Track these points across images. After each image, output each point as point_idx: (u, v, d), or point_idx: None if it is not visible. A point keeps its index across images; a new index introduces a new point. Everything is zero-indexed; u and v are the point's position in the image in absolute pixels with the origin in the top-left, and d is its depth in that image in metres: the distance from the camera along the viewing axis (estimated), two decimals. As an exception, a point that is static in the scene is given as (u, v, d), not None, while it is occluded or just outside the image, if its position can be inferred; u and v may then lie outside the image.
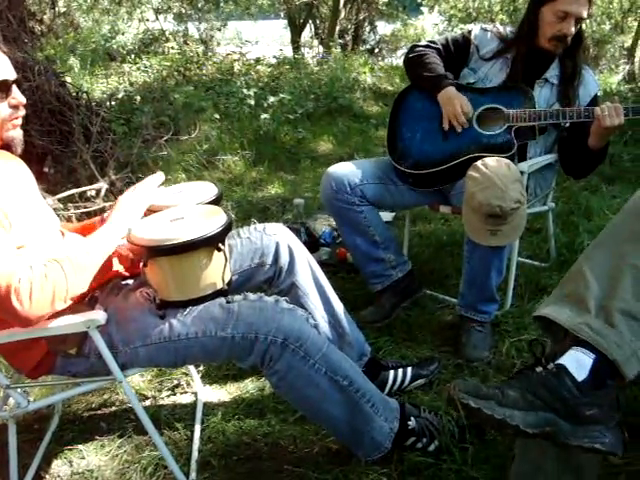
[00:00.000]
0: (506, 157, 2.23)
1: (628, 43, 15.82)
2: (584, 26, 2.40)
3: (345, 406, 1.67)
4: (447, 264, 3.08)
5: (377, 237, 2.45)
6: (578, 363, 1.34)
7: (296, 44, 12.17)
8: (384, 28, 15.02)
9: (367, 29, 14.00)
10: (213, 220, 1.58)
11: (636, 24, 15.70)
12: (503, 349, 2.36)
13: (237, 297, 1.64)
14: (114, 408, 2.20)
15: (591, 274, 1.44)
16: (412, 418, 1.81)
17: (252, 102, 6.04)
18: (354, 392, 1.67)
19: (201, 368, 2.32)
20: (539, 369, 1.38)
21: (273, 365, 1.59)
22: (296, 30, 13.41)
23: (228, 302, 1.61)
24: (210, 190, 1.85)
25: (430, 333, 2.49)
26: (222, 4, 14.26)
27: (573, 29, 2.32)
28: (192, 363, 2.11)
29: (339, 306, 2.04)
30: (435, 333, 2.50)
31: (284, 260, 1.94)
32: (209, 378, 2.30)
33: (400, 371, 2.13)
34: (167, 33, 11.05)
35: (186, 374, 2.30)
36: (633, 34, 15.68)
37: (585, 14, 2.32)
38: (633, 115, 2.24)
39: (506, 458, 1.73)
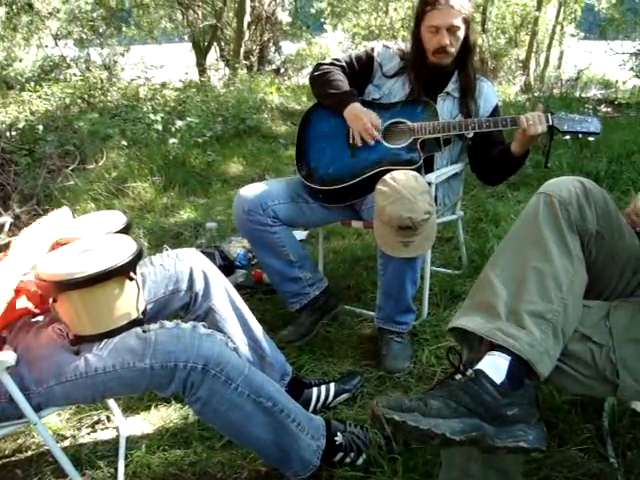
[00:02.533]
0: (413, 169, 2.30)
1: (522, 56, 16.57)
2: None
3: (271, 427, 1.66)
4: (363, 278, 3.13)
5: (292, 256, 2.46)
6: (495, 367, 1.39)
7: (202, 67, 12.13)
8: (289, 48, 15.16)
9: (272, 49, 14.10)
10: (123, 249, 1.55)
11: (528, 38, 16.48)
12: (423, 358, 2.41)
13: (153, 326, 1.60)
14: (30, 452, 2.09)
15: (498, 281, 1.50)
16: (338, 434, 1.82)
17: (159, 127, 5.96)
18: (279, 413, 1.67)
19: (122, 401, 2.26)
20: (459, 377, 1.42)
21: (195, 392, 1.57)
22: (201, 53, 13.36)
23: (144, 332, 1.58)
24: (119, 219, 1.81)
25: (351, 347, 2.52)
26: (124, 29, 14.07)
27: (447, 40, 2.41)
28: (112, 397, 2.05)
29: (258, 328, 2.03)
30: (355, 347, 2.52)
31: (199, 285, 1.92)
32: (131, 411, 2.24)
33: (323, 388, 2.14)
34: (68, 59, 10.79)
35: (106, 409, 2.22)
36: (526, 47, 16.44)
37: (456, 22, 2.39)
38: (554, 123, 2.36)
39: (434, 465, 1.76)
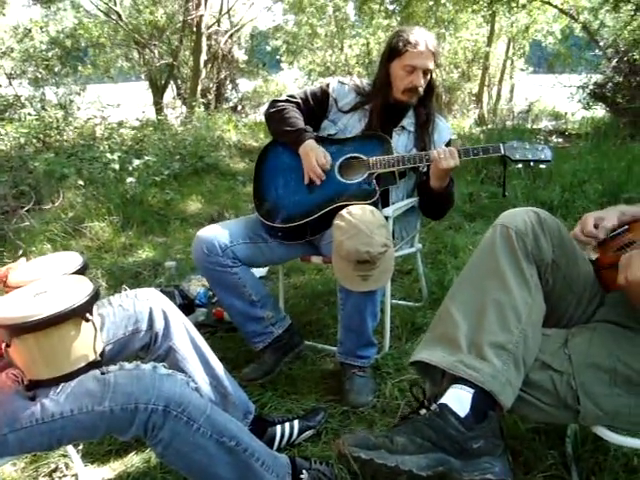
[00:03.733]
0: (370, 203, 2.32)
1: (475, 89, 16.99)
2: (434, 75, 2.57)
3: (235, 467, 1.63)
4: (324, 313, 3.13)
5: (253, 296, 2.44)
6: (459, 400, 1.40)
7: (159, 105, 12.16)
8: (246, 85, 15.32)
9: (229, 87, 14.22)
10: (78, 290, 1.52)
11: (480, 72, 16.92)
12: (386, 391, 2.40)
13: (112, 367, 1.57)
14: (-15, 504, 2.02)
15: (458, 313, 1.51)
16: (304, 471, 1.79)
17: (117, 166, 5.92)
18: (242, 452, 1.64)
19: (81, 447, 2.19)
20: (423, 411, 1.42)
21: (157, 434, 1.53)
22: (158, 91, 13.41)
23: (103, 374, 1.54)
24: (74, 260, 1.79)
25: (313, 383, 2.50)
26: (80, 68, 14.04)
27: (422, 80, 2.49)
28: (70, 443, 1.99)
29: (219, 367, 2.01)
30: (318, 383, 2.50)
31: (159, 325, 1.89)
32: (90, 456, 2.17)
33: (287, 425, 2.12)
34: (23, 99, 10.66)
35: (64, 455, 2.15)
36: (479, 81, 16.87)
37: (431, 66, 2.49)
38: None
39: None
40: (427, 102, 2.62)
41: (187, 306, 3.00)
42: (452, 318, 1.51)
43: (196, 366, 1.94)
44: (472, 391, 1.40)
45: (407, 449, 1.32)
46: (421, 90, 2.53)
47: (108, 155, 6.16)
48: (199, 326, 2.29)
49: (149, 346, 1.91)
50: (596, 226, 1.68)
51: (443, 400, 1.40)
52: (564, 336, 1.58)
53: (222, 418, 1.65)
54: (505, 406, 1.42)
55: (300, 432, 2.13)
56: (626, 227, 1.72)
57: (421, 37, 2.47)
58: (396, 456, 1.30)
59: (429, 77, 2.55)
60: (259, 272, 3.42)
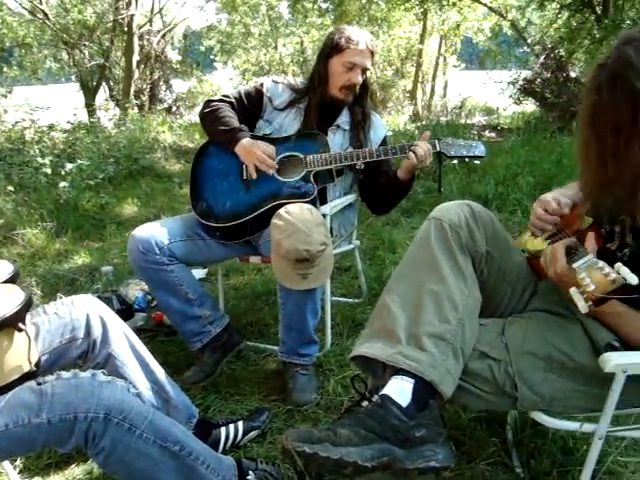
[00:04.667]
0: (307, 202, 2.33)
1: (409, 86, 17.21)
2: (369, 74, 2.60)
3: (180, 472, 1.61)
4: (264, 313, 3.12)
5: (191, 295, 2.41)
6: (400, 390, 1.41)
7: (91, 107, 11.87)
8: (180, 86, 15.14)
9: (163, 88, 14.02)
10: (9, 299, 1.48)
11: (414, 69, 17.17)
12: (330, 388, 2.41)
13: (49, 377, 1.53)
14: None
15: (395, 306, 1.53)
16: (250, 472, 1.79)
17: (48, 171, 5.75)
18: (187, 456, 1.62)
19: (18, 462, 2.11)
20: (365, 403, 1.43)
21: (98, 443, 1.50)
22: (89, 93, 13.12)
23: (39, 384, 1.50)
24: (4, 268, 1.73)
25: (257, 384, 2.48)
26: (5, 69, 13.61)
27: (360, 78, 2.52)
28: (6, 459, 1.92)
29: (160, 371, 1.98)
30: (262, 383, 2.50)
31: (97, 332, 1.85)
32: (29, 472, 2.08)
33: (232, 427, 2.10)
34: (-55, 102, 10.30)
35: (0, 472, 2.09)
36: (412, 78, 17.11)
37: (369, 65, 2.53)
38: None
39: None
40: (362, 101, 2.65)
41: (126, 311, 2.94)
42: (390, 311, 1.53)
43: (136, 372, 1.91)
44: (413, 381, 1.42)
45: (351, 441, 1.32)
46: (357, 88, 2.56)
47: (39, 159, 5.99)
48: (138, 331, 2.26)
49: (87, 354, 1.87)
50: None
51: (384, 391, 1.42)
52: (501, 325, 1.61)
53: (165, 423, 1.63)
54: (445, 395, 1.44)
55: (245, 433, 2.12)
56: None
57: (362, 36, 2.51)
58: (340, 448, 1.30)
59: (365, 76, 2.58)
60: (198, 274, 3.39)
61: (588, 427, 1.50)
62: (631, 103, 1.27)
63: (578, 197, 1.78)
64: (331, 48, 2.53)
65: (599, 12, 10.17)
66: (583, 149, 1.48)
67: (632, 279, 1.22)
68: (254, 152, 2.43)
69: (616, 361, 1.36)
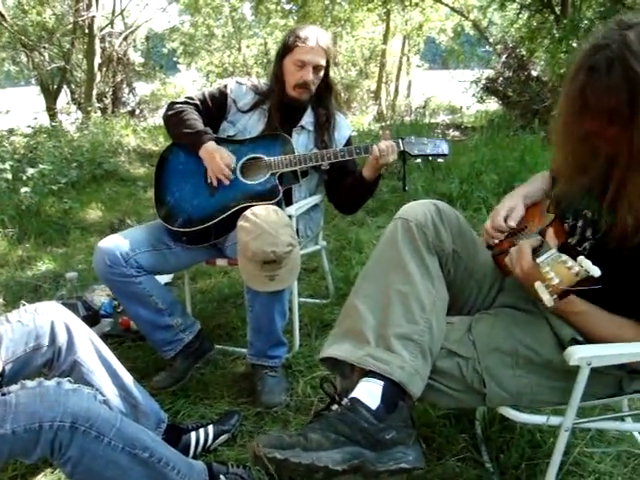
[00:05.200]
0: (273, 203, 2.33)
1: (373, 87, 17.31)
2: (333, 73, 2.60)
3: (151, 479, 1.60)
4: (232, 316, 3.11)
5: (160, 304, 2.38)
6: (369, 393, 1.41)
7: (52, 111, 11.69)
8: (143, 88, 15.00)
9: (126, 91, 13.86)
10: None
11: (378, 70, 17.26)
12: (299, 389, 2.41)
13: (13, 387, 1.50)
14: None
15: (363, 307, 1.53)
16: (221, 476, 1.78)
17: (9, 176, 5.63)
18: (157, 462, 1.60)
19: (-18, 474, 2.09)
20: (335, 407, 1.43)
21: (65, 452, 1.47)
22: (50, 96, 12.90)
23: (3, 394, 1.48)
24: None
25: (226, 387, 2.47)
26: (-39, 72, 13.33)
27: (311, 76, 2.50)
28: (-30, 472, 1.90)
29: (128, 377, 1.96)
30: (231, 386, 2.48)
31: (62, 339, 1.82)
32: (-7, 484, 2.07)
33: (202, 431, 2.09)
34: None
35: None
36: (376, 78, 17.21)
37: (322, 62, 2.52)
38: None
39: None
40: (325, 101, 2.65)
41: (91, 317, 2.90)
42: (358, 312, 1.53)
43: (103, 378, 1.88)
44: (382, 383, 1.42)
45: (322, 445, 1.32)
46: (312, 87, 2.55)
47: (-1, 164, 5.88)
48: (105, 337, 2.23)
49: (52, 362, 1.84)
50: (506, 218, 1.74)
51: (354, 394, 1.42)
52: (468, 323, 1.63)
53: (133, 429, 1.61)
54: (415, 395, 1.45)
55: (215, 437, 2.11)
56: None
57: (312, 33, 2.50)
58: (311, 453, 1.30)
59: (322, 74, 2.57)
60: (164, 279, 3.36)
61: (554, 420, 1.52)
62: (629, 87, 1.27)
63: (539, 194, 1.81)
64: (284, 48, 2.54)
65: (558, 12, 10.34)
66: (562, 129, 1.48)
67: (595, 271, 1.24)
68: (214, 160, 2.41)
69: (580, 354, 1.39)
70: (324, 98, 2.64)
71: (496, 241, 1.76)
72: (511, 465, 1.89)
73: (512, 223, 1.71)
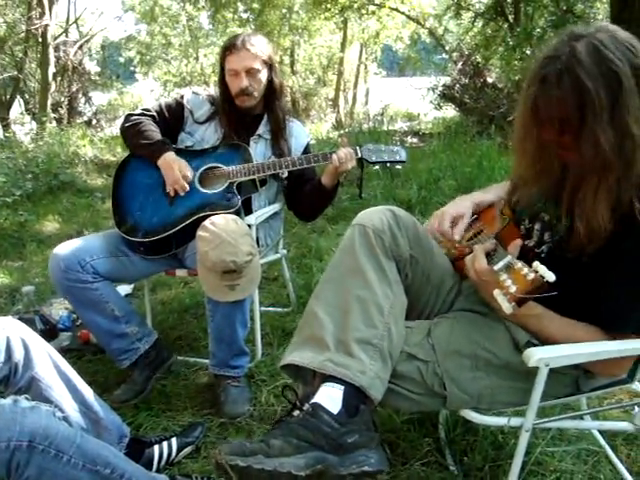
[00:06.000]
0: (232, 213, 2.33)
1: (331, 94, 17.39)
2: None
3: (113, 496, 1.58)
4: (193, 326, 3.09)
5: (117, 312, 2.35)
6: (330, 398, 1.41)
7: (5, 122, 11.46)
8: (100, 98, 14.81)
9: (82, 100, 13.64)
10: None
11: (336, 78, 17.35)
12: (262, 399, 2.40)
13: (-32, 406, 1.48)
14: None
15: (323, 313, 1.54)
16: (185, 489, 1.77)
17: (-40, 189, 5.55)
18: (119, 479, 1.58)
19: None
20: (297, 413, 1.43)
21: (22, 472, 1.43)
22: (3, 107, 12.64)
23: (-43, 414, 1.45)
24: None
25: (189, 399, 2.45)
26: None
27: (246, 82, 2.49)
28: None
29: (88, 392, 1.92)
30: (194, 398, 2.46)
31: (18, 355, 1.79)
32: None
33: (165, 444, 2.07)
34: None
35: None
36: (334, 86, 17.29)
37: (255, 65, 2.49)
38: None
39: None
40: (273, 105, 2.64)
41: (49, 331, 2.86)
42: (318, 318, 1.54)
43: (62, 394, 1.85)
44: (343, 388, 1.42)
45: (284, 451, 1.31)
46: (253, 93, 2.54)
47: (-50, 177, 5.75)
48: (64, 351, 2.19)
49: (9, 378, 1.80)
50: (454, 223, 1.76)
51: (315, 399, 1.42)
52: (427, 327, 1.64)
53: (94, 446, 1.59)
54: (375, 399, 1.45)
55: (179, 450, 2.09)
56: (475, 217, 1.82)
57: (240, 40, 2.50)
58: (273, 459, 1.29)
59: (261, 77, 2.54)
60: (124, 290, 3.32)
61: (515, 421, 1.54)
62: (578, 99, 1.30)
63: (494, 201, 1.85)
64: (220, 60, 2.57)
65: (511, 21, 10.57)
66: (521, 138, 1.53)
67: (549, 276, 1.26)
68: (172, 171, 2.41)
69: (539, 355, 1.41)
70: (271, 102, 2.63)
71: (441, 239, 1.79)
72: (475, 467, 1.92)
73: (456, 237, 1.73)
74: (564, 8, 9.60)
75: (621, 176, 1.37)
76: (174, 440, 2.09)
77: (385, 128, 9.96)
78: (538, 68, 1.38)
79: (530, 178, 1.57)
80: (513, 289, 1.30)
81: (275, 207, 2.72)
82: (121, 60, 19.02)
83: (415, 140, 9.41)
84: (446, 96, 11.05)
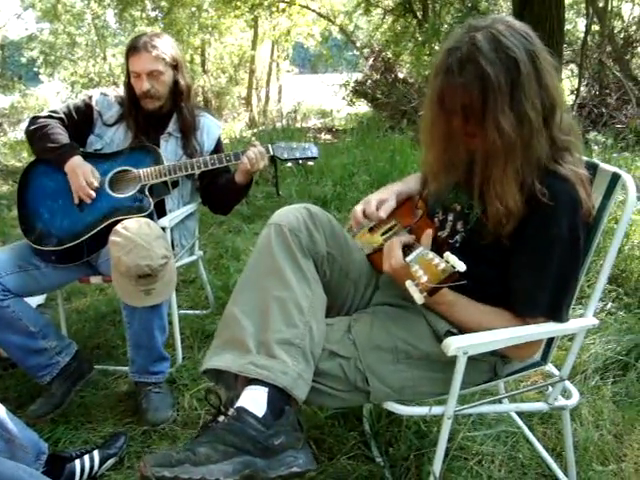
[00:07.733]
0: (145, 216, 2.29)
1: (244, 93, 17.29)
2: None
3: (32, 518, 1.52)
4: (111, 334, 3.01)
5: (32, 328, 2.25)
6: (254, 400, 1.41)
7: None
8: (1, 101, 14.22)
9: (-19, 103, 13.08)
10: None
11: (247, 76, 17.26)
12: (185, 404, 2.37)
13: None
14: None
15: (242, 315, 1.53)
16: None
17: None
18: (37, 499, 1.53)
19: None
20: (221, 418, 1.41)
21: None
22: None
23: None
24: None
25: (109, 409, 2.39)
26: None
27: (148, 85, 2.46)
28: None
29: (0, 409, 1.85)
30: (114, 407, 2.40)
31: None
32: None
33: (86, 458, 2.01)
34: None
35: None
36: (247, 85, 17.20)
37: (157, 67, 2.46)
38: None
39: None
40: (181, 106, 2.60)
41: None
42: (237, 321, 1.53)
43: (-29, 414, 1.77)
44: (266, 390, 1.42)
45: (211, 458, 1.30)
46: (157, 94, 2.50)
47: None
48: (-28, 368, 2.09)
49: None
50: (377, 208, 1.78)
51: (239, 403, 1.41)
52: (347, 323, 1.66)
53: (8, 467, 1.51)
54: (300, 399, 1.46)
55: (102, 462, 2.04)
56: (391, 210, 1.85)
57: (141, 41, 2.46)
58: (201, 467, 1.27)
59: (165, 79, 2.50)
60: (36, 300, 3.19)
61: (437, 410, 1.58)
62: (480, 85, 1.36)
63: (412, 193, 1.88)
64: (125, 60, 2.53)
65: (420, 17, 10.80)
66: (429, 129, 1.57)
67: (460, 266, 1.30)
68: (77, 178, 2.33)
69: (457, 344, 1.45)
70: (178, 103, 2.59)
71: (365, 226, 1.82)
72: (400, 457, 1.95)
73: (382, 214, 1.76)
74: (469, 5, 9.90)
75: (522, 159, 1.43)
76: (96, 453, 2.04)
77: (299, 125, 9.98)
78: (441, 60, 1.44)
79: (440, 169, 1.62)
80: (424, 279, 1.33)
81: (189, 208, 2.68)
82: (23, 60, 18.29)
83: (329, 136, 9.47)
84: (358, 92, 11.18)
